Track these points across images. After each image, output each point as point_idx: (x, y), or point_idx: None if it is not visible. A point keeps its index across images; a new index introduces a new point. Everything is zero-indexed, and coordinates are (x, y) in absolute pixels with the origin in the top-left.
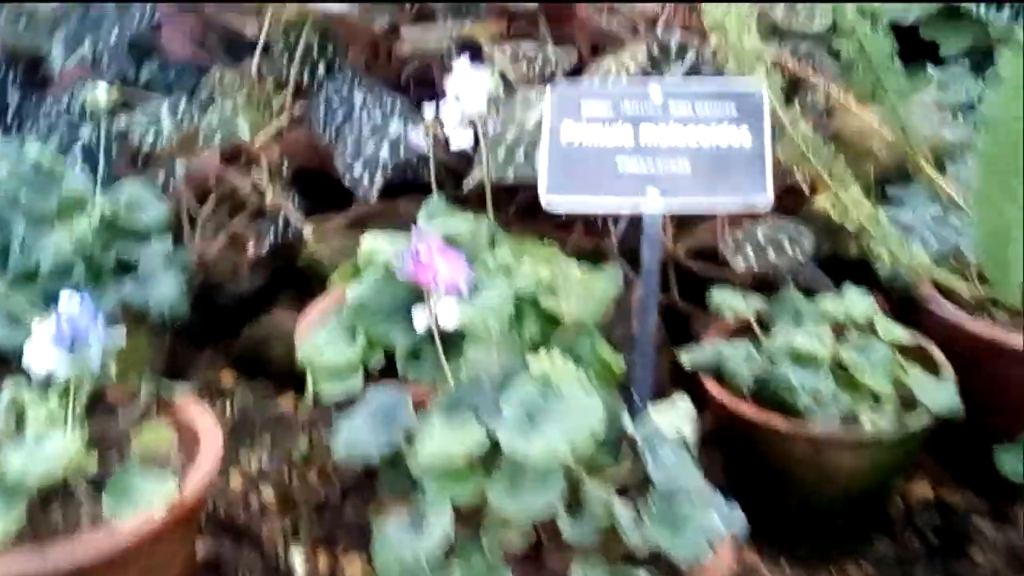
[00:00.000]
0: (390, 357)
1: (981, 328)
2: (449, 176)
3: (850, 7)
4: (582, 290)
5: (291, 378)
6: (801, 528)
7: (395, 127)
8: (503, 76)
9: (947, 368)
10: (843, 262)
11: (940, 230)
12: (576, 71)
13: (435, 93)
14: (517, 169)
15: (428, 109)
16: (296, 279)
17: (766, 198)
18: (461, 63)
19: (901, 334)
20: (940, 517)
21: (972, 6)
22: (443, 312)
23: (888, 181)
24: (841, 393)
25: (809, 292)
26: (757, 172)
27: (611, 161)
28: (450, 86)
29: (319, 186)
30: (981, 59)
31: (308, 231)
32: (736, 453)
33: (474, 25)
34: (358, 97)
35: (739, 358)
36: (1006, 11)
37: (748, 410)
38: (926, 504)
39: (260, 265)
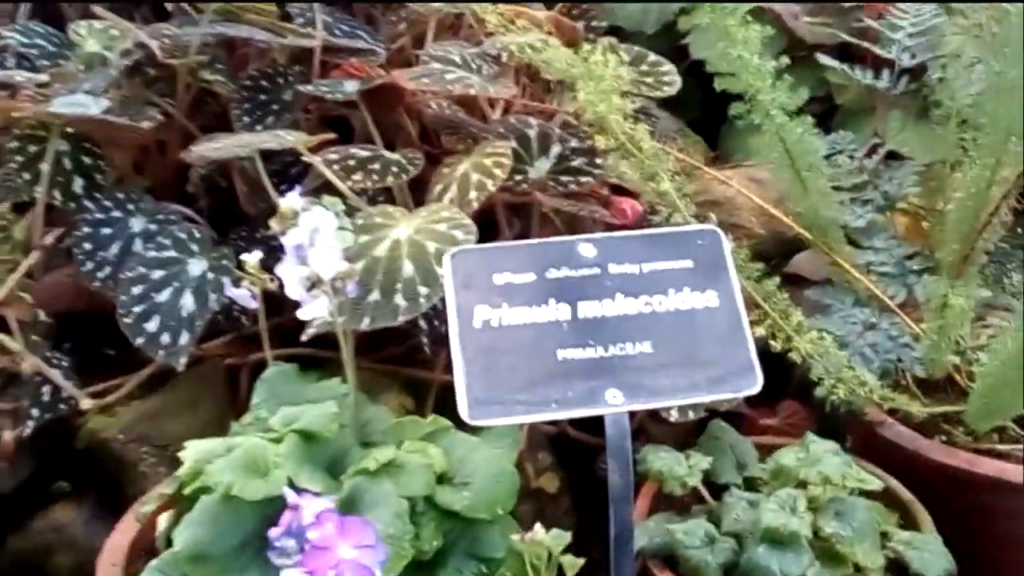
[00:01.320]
0: None
1: (944, 456)
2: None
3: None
4: (485, 470)
5: None
6: None
7: (196, 267)
8: (337, 192)
9: (925, 517)
10: None
11: (876, 340)
12: (422, 174)
13: (234, 208)
14: (374, 312)
15: (251, 257)
16: (76, 464)
17: (755, 381)
18: (295, 201)
19: (871, 481)
20: None
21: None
22: None
23: (766, 257)
24: (827, 574)
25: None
26: (736, 343)
27: (547, 350)
28: (291, 239)
29: (94, 331)
30: (823, 113)
31: (87, 402)
32: None
33: (282, 132)
34: (136, 224)
35: (699, 543)
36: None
37: None
38: None
39: (24, 452)
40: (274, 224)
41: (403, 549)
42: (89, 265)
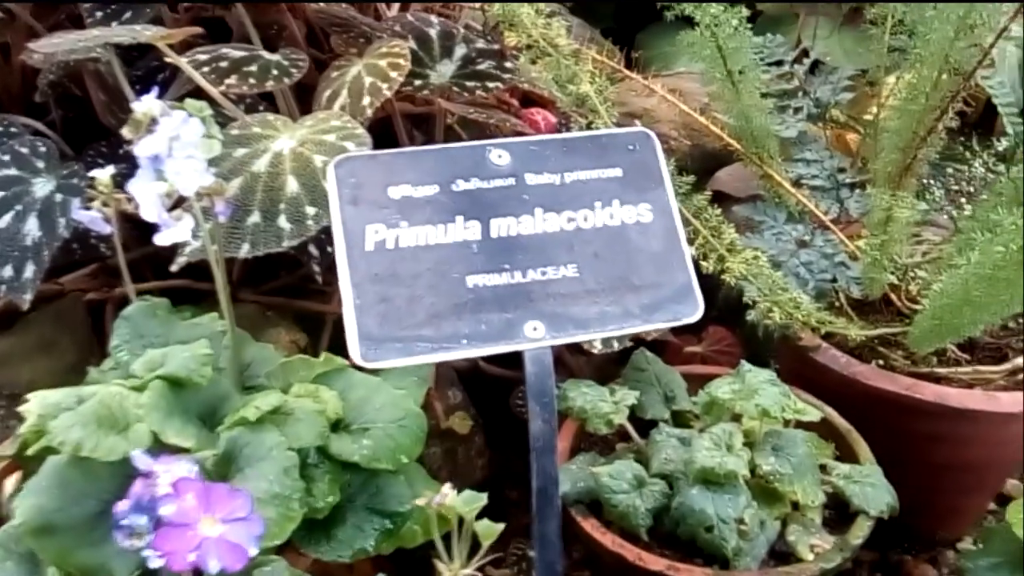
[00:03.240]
0: None
1: (883, 381)
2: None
3: None
4: (387, 414)
5: None
6: None
7: (42, 187)
8: (209, 100)
9: (863, 447)
10: None
11: (811, 258)
12: (310, 81)
13: (93, 121)
14: (254, 237)
15: (102, 173)
16: None
17: (696, 307)
18: (152, 104)
19: (810, 412)
20: None
21: None
22: None
23: (685, 171)
24: (764, 513)
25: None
26: (673, 264)
27: (454, 277)
28: (144, 148)
29: None
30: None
31: None
32: None
33: (139, 26)
34: None
35: (626, 487)
36: None
37: (659, 564)
38: None
39: None
40: (126, 132)
41: (291, 511)
42: None
